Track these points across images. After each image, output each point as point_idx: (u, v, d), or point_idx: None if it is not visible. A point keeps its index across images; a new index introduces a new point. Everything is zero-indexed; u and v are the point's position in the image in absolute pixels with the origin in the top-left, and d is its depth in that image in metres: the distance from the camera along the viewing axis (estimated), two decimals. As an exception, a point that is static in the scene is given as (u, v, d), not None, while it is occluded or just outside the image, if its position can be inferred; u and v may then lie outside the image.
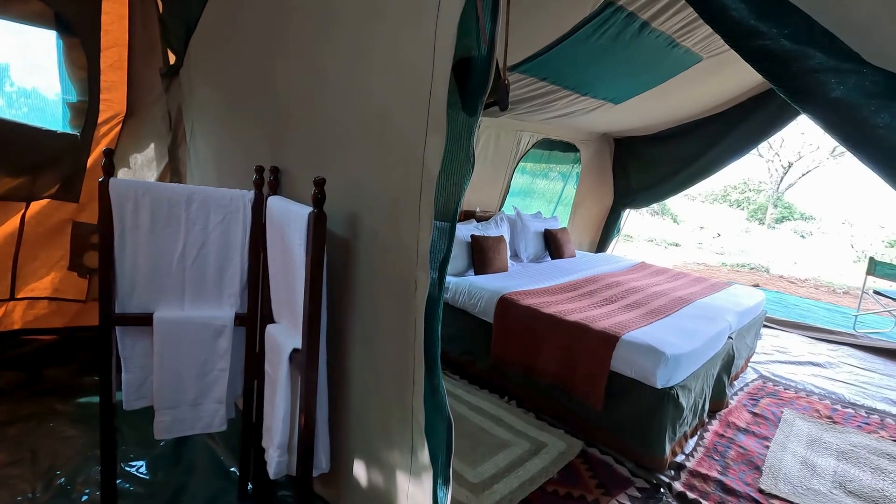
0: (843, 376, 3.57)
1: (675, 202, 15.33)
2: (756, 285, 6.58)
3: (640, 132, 5.28)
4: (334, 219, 1.48)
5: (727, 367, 2.85)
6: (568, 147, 5.14)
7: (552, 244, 4.18)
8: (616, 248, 6.26)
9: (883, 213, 13.89)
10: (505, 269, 3.52)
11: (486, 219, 3.98)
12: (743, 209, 16.45)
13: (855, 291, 6.69)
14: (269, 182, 1.70)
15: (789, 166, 15.29)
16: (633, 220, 10.55)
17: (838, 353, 4.04)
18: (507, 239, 3.82)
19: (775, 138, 13.51)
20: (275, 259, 1.64)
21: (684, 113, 4.78)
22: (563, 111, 4.00)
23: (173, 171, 2.62)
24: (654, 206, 13.58)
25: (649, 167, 5.39)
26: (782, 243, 12.94)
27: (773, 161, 15.78)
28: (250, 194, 1.71)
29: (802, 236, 13.86)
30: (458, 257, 3.37)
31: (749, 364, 3.58)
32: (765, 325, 4.14)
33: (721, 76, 3.89)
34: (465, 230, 3.50)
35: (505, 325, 2.79)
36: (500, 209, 4.77)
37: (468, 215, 4.30)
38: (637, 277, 3.67)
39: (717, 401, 2.85)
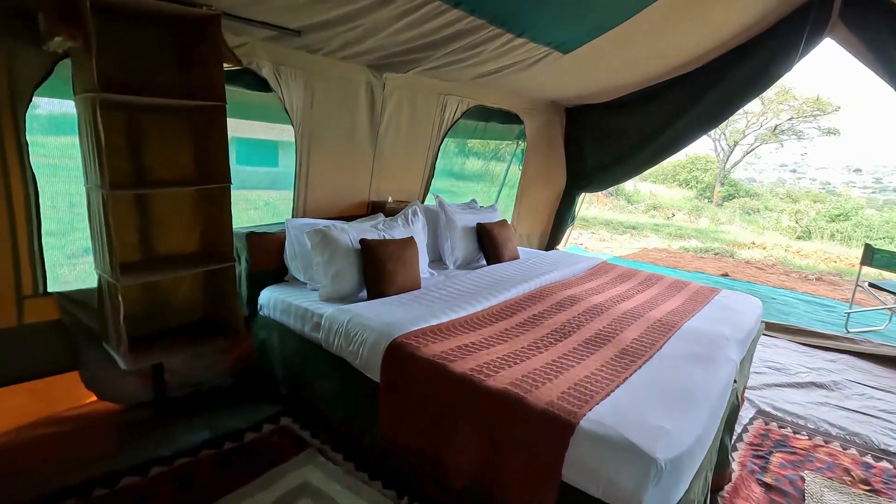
0: (855, 402, 2.78)
1: (626, 182, 14.95)
2: (725, 274, 5.88)
3: (595, 98, 4.32)
4: None
5: (730, 424, 1.95)
6: (509, 118, 4.12)
7: (488, 243, 3.16)
8: (570, 236, 5.37)
9: (818, 189, 14.17)
10: (416, 286, 2.46)
11: (398, 212, 2.91)
12: (691, 188, 16.28)
13: (828, 277, 6.14)
14: None
15: (734, 145, 15.17)
16: (586, 203, 9.78)
17: (838, 365, 3.28)
18: (424, 240, 2.78)
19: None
20: None
21: (647, 72, 3.85)
22: (497, 64, 2.96)
23: None
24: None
25: (607, 142, 4.46)
26: (732, 221, 12.72)
27: (719, 140, 15.75)
28: None
29: (749, 213, 13.72)
30: (343, 273, 2.28)
31: (744, 395, 2.73)
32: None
33: (695, 18, 2.96)
34: (354, 231, 2.41)
35: (396, 389, 1.74)
36: (423, 197, 3.71)
37: (376, 208, 3.21)
38: (598, 287, 2.73)
39: (719, 473, 1.95)
